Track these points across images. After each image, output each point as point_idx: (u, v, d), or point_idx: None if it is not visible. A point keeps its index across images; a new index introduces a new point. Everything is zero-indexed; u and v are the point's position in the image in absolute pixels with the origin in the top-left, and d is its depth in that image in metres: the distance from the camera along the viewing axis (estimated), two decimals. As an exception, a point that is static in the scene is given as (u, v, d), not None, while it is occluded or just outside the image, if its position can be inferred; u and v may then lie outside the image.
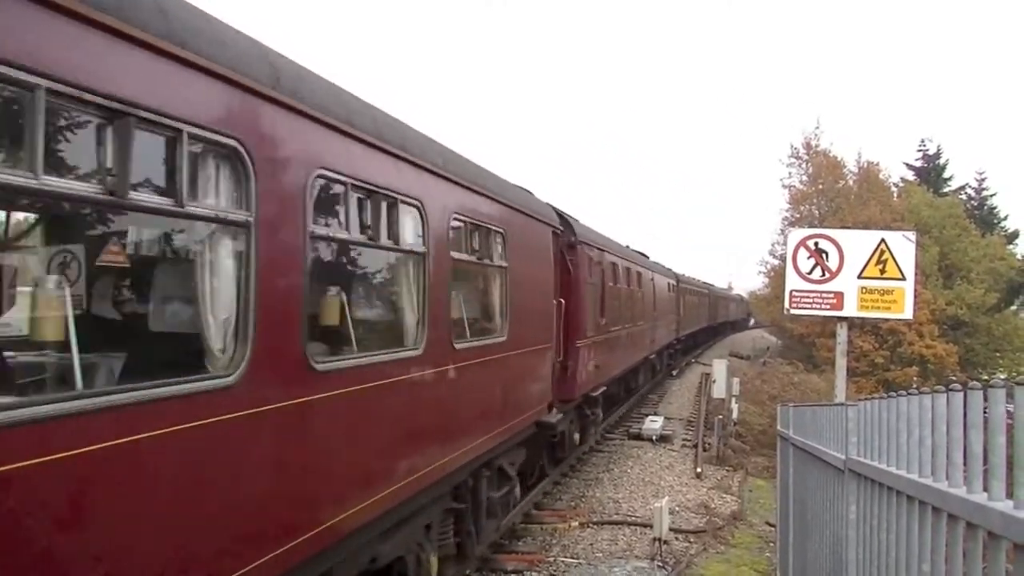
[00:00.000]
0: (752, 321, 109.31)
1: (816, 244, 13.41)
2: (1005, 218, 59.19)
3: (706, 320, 54.76)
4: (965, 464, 2.83)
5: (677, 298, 35.90)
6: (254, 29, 4.85)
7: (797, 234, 14.15)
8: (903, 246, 13.11)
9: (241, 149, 4.29)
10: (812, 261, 13.35)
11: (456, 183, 7.83)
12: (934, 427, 3.17)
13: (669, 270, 34.82)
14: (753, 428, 24.18)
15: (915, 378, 36.16)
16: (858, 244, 13.42)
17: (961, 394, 2.94)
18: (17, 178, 3.04)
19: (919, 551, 3.23)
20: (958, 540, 2.79)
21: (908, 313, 13.56)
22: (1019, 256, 49.29)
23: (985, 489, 2.58)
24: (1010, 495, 2.34)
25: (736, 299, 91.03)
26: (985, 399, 2.68)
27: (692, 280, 47.48)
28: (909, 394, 3.57)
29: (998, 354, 43.90)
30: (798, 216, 44.78)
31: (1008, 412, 2.41)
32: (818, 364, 38.28)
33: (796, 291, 13.48)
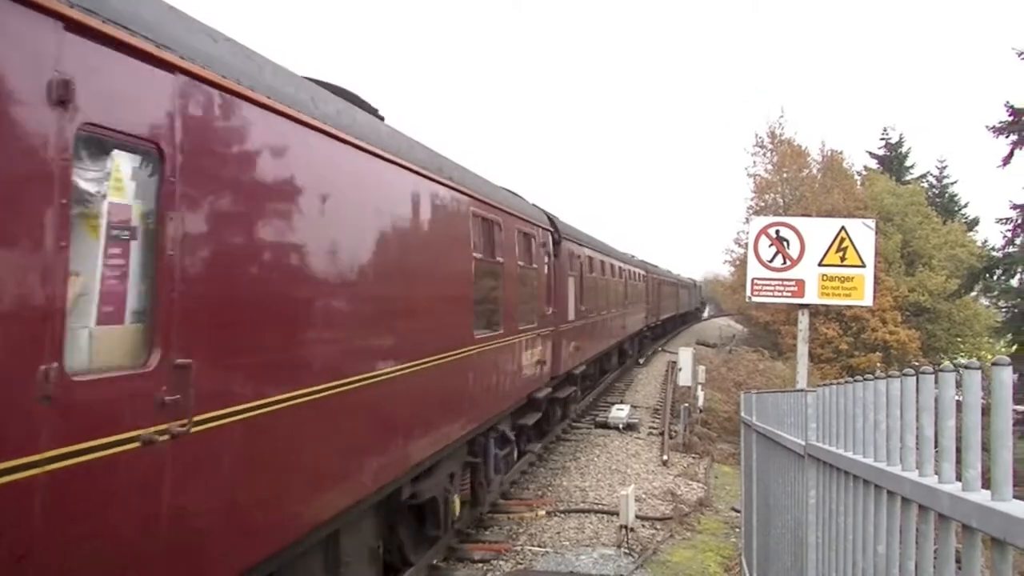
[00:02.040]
0: (707, 312, 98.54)
1: (777, 232, 13.53)
2: (965, 205, 60.37)
3: (643, 319, 34.57)
4: (919, 448, 2.87)
5: (552, 283, 15.08)
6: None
7: (758, 222, 14.27)
8: (863, 234, 13.26)
9: None
10: (773, 249, 13.46)
11: None
12: (888, 411, 3.20)
13: (538, 210, 14.92)
14: (719, 415, 24.40)
15: (878, 364, 36.63)
16: (818, 232, 13.56)
17: (913, 379, 2.98)
18: None
19: (875, 533, 3.26)
20: (911, 522, 2.83)
21: (868, 300, 13.74)
22: (979, 243, 50.05)
23: (936, 472, 2.62)
24: (960, 477, 2.37)
25: (688, 285, 72.73)
26: (936, 384, 2.72)
27: (607, 248, 24.33)
28: (864, 379, 3.60)
29: (959, 339, 44.58)
30: (763, 204, 45.14)
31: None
32: (783, 351, 38.66)
33: (758, 279, 13.59)
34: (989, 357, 36.07)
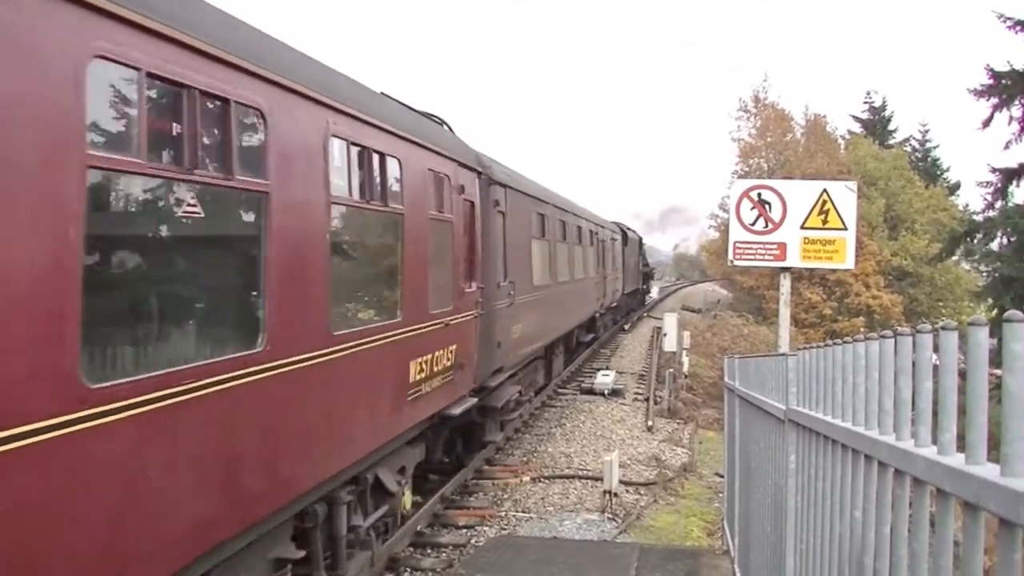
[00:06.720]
0: (656, 289, 66.59)
1: (759, 195, 13.42)
2: (947, 169, 60.44)
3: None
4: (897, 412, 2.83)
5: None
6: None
7: (740, 185, 14.18)
8: (845, 196, 13.19)
9: None
10: (755, 212, 13.36)
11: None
12: (867, 375, 3.17)
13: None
14: (703, 381, 24.53)
15: (862, 328, 36.77)
16: (800, 195, 13.45)
17: (891, 341, 2.94)
18: None
19: (852, 498, 3.24)
20: (887, 487, 2.80)
21: (849, 263, 13.68)
22: (960, 207, 50.17)
23: (913, 436, 2.58)
24: (936, 441, 2.33)
25: (608, 233, 29.26)
26: (914, 346, 2.67)
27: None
28: (844, 342, 3.56)
29: (940, 303, 44.81)
30: (747, 169, 45.14)
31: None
32: (767, 316, 38.85)
33: (740, 242, 13.51)
34: (971, 320, 36.30)
